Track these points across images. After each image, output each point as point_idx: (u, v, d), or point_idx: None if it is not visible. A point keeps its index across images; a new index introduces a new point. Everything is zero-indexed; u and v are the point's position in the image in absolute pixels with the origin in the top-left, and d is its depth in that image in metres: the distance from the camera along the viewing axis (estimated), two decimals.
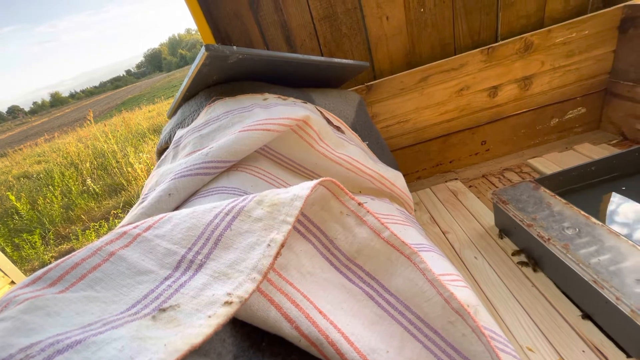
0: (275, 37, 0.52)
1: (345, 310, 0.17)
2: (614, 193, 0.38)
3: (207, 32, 0.47)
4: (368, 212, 0.19)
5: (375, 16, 0.51)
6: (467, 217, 0.45)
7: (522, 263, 0.36)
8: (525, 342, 0.29)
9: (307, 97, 0.39)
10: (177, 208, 0.24)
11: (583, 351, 0.27)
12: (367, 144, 0.43)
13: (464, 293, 0.24)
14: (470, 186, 0.52)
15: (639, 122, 0.49)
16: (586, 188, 0.40)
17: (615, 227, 0.34)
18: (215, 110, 0.32)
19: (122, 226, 0.21)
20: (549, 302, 0.31)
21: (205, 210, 0.17)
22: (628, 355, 0.26)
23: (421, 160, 0.57)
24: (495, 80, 0.51)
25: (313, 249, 0.19)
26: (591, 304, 0.28)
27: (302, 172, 0.33)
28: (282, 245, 0.15)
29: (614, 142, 0.51)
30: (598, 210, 0.37)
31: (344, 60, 0.41)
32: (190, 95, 0.39)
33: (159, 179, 0.26)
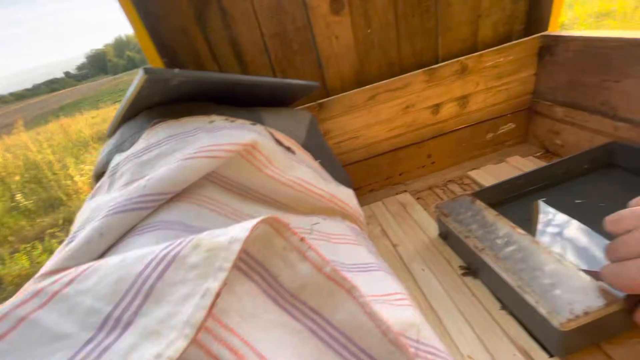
0: (225, 53, 0.51)
1: (287, 351, 0.17)
2: (537, 203, 0.43)
3: (151, 48, 0.45)
4: (310, 247, 0.19)
5: (325, 35, 0.52)
6: (415, 229, 0.47)
7: (464, 273, 0.38)
8: (466, 351, 0.31)
9: (257, 118, 0.39)
10: (109, 248, 0.22)
11: (514, 355, 0.29)
12: (319, 162, 0.44)
13: (407, 312, 0.25)
14: (418, 198, 0.55)
15: (557, 137, 0.55)
16: (516, 199, 0.45)
17: (536, 235, 0.38)
18: (157, 135, 0.31)
19: (43, 275, 0.19)
20: (485, 309, 0.34)
21: (136, 258, 0.16)
22: (550, 355, 0.28)
23: (373, 174, 0.59)
24: (437, 99, 0.55)
25: (256, 288, 0.18)
26: (519, 308, 0.31)
27: (253, 197, 0.33)
28: (218, 295, 0.14)
29: (539, 154, 0.57)
30: (524, 220, 0.41)
31: (294, 81, 0.41)
32: (130, 115, 0.36)
33: (90, 214, 0.24)
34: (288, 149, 0.38)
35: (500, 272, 0.31)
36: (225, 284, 0.15)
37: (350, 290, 0.18)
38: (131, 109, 0.34)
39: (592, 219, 0.38)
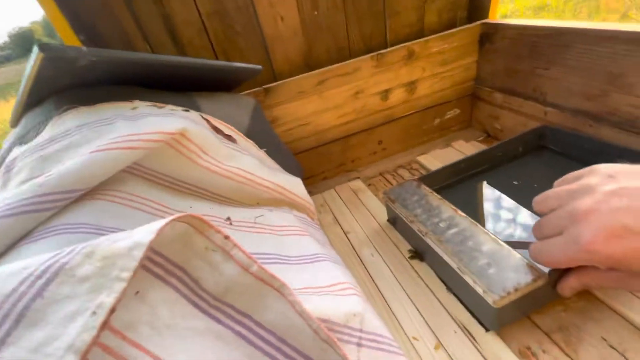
0: (156, 32, 0.46)
1: (210, 358, 0.15)
2: (479, 185, 0.45)
3: (63, 24, 0.39)
4: (235, 245, 0.17)
5: (269, 15, 0.49)
6: (366, 215, 0.47)
7: (411, 257, 0.39)
8: (412, 332, 0.31)
9: (191, 104, 0.35)
10: None
11: (455, 332, 0.31)
12: (265, 151, 0.41)
13: (351, 302, 0.25)
14: (369, 184, 0.55)
15: (497, 122, 0.58)
16: (459, 182, 0.46)
17: (478, 216, 0.40)
18: (66, 123, 0.26)
19: None
20: (430, 290, 0.35)
21: (10, 273, 0.13)
22: (487, 330, 0.30)
23: (325, 161, 0.58)
24: (386, 84, 0.55)
25: (175, 294, 0.16)
26: (459, 287, 0.33)
27: (186, 190, 0.30)
28: (113, 310, 0.12)
29: (481, 139, 0.60)
30: (467, 202, 0.43)
31: (233, 64, 0.38)
32: (35, 101, 0.31)
33: None
34: (228, 137, 0.36)
35: (443, 255, 0.32)
36: (122, 296, 0.13)
37: (280, 289, 0.17)
38: (34, 93, 0.29)
39: (526, 199, 0.40)
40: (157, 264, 0.17)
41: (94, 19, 0.43)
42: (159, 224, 0.15)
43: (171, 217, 0.15)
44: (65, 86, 0.30)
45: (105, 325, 0.12)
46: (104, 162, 0.22)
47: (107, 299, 0.12)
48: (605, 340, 0.27)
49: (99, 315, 0.12)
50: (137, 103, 0.30)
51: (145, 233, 0.14)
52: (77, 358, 0.11)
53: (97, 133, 0.25)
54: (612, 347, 0.27)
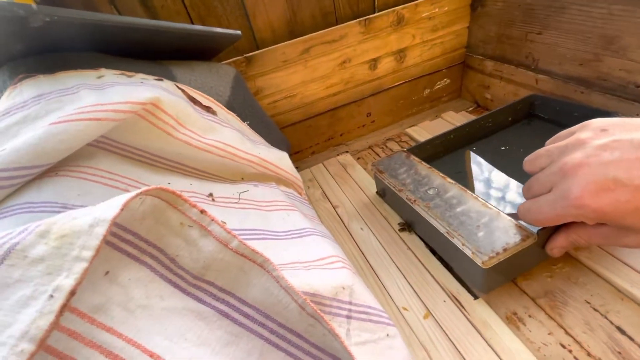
0: None
1: (189, 340, 0.14)
2: (467, 153, 0.44)
3: None
4: (213, 220, 0.16)
5: None
6: (355, 189, 0.47)
7: (401, 229, 0.39)
8: (402, 303, 0.31)
9: (165, 73, 0.33)
10: None
11: (444, 301, 0.31)
12: (248, 124, 0.39)
13: (340, 275, 0.24)
14: (358, 158, 0.54)
15: (487, 91, 0.57)
16: (449, 152, 0.46)
17: (467, 185, 0.40)
18: (22, 94, 0.24)
19: None
20: (420, 261, 0.35)
21: None
22: (475, 297, 0.30)
23: (313, 135, 0.56)
24: (374, 52, 0.53)
25: (150, 274, 0.15)
26: (448, 254, 0.33)
27: (164, 165, 0.28)
28: (73, 293, 0.11)
29: (471, 109, 0.59)
30: (457, 172, 0.42)
31: (208, 29, 0.35)
32: None
33: None
34: (207, 108, 0.33)
35: (431, 220, 0.31)
36: (84, 276, 0.11)
37: (263, 264, 0.16)
38: None
39: (515, 166, 0.40)
40: (128, 242, 0.15)
41: None
42: (123, 197, 0.13)
43: (137, 191, 0.14)
44: (19, 52, 0.27)
45: (64, 309, 0.11)
46: (66, 135, 0.20)
47: (66, 280, 0.11)
48: (588, 303, 0.28)
49: (57, 299, 0.11)
50: (103, 71, 0.27)
51: (108, 208, 0.13)
52: (33, 346, 0.10)
53: (59, 104, 0.23)
54: (595, 310, 0.27)
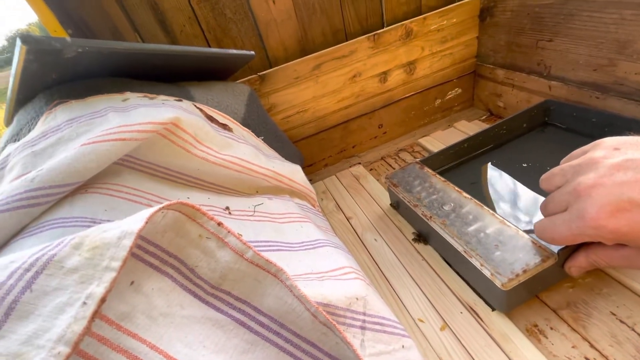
0: (146, 22, 0.45)
1: (208, 347, 0.15)
2: (484, 166, 0.44)
3: (50, 18, 0.38)
4: (229, 232, 0.17)
5: None
6: (368, 201, 0.47)
7: (415, 240, 0.39)
8: (417, 315, 0.31)
9: (184, 94, 0.35)
10: None
11: (461, 312, 0.30)
12: (262, 139, 0.41)
13: (353, 286, 0.25)
14: (371, 169, 0.54)
15: (500, 99, 0.57)
16: (462, 163, 0.45)
17: (483, 198, 0.39)
18: (56, 118, 0.26)
19: None
20: (435, 272, 0.34)
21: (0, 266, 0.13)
22: (493, 309, 0.30)
23: (325, 148, 0.57)
24: (384, 66, 0.54)
25: (171, 284, 0.16)
26: (466, 270, 0.32)
27: (183, 181, 0.30)
28: (104, 300, 0.12)
29: (484, 117, 0.59)
30: (472, 182, 0.42)
31: (223, 50, 0.37)
32: (25, 97, 0.31)
33: None
34: (224, 126, 0.35)
35: (448, 238, 0.31)
36: (113, 286, 0.12)
37: (276, 274, 0.17)
38: (24, 90, 0.29)
39: (532, 177, 0.39)
40: (151, 254, 0.16)
41: (80, 11, 0.42)
42: (147, 212, 0.15)
43: (160, 205, 0.15)
44: (54, 81, 0.30)
45: (96, 315, 0.12)
46: (95, 155, 0.22)
47: (97, 289, 0.12)
48: (614, 314, 0.27)
49: (89, 305, 0.12)
50: (128, 95, 0.29)
51: (133, 222, 0.14)
52: (68, 349, 0.11)
53: (88, 126, 0.25)
54: (622, 322, 0.26)
